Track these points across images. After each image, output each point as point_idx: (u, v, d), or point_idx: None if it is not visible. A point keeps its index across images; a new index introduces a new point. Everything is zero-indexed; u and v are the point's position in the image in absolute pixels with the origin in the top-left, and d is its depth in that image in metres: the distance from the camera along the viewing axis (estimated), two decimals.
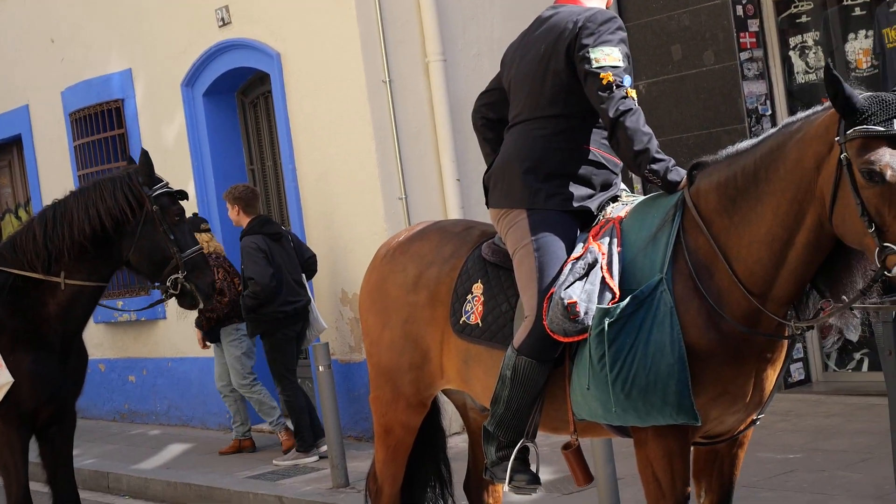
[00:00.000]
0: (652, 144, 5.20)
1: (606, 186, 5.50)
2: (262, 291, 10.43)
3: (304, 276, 11.00)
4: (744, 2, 10.86)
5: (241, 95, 12.83)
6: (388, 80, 10.86)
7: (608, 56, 5.28)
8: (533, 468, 5.40)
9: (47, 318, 7.73)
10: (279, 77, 11.68)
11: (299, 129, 11.58)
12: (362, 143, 10.91)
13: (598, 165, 5.48)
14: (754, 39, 10.92)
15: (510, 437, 5.35)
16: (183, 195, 8.08)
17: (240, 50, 12.14)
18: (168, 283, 7.83)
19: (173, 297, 7.97)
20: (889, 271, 4.46)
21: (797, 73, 10.92)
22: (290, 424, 11.13)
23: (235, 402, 11.57)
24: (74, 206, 7.77)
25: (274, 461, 10.86)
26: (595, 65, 5.26)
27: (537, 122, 5.53)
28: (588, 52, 5.29)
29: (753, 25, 10.93)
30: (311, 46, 11.30)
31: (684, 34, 11.15)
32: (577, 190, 5.43)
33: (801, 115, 4.95)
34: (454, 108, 10.92)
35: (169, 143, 13.08)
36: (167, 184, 8.02)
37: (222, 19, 12.17)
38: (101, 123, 13.94)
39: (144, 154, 8.03)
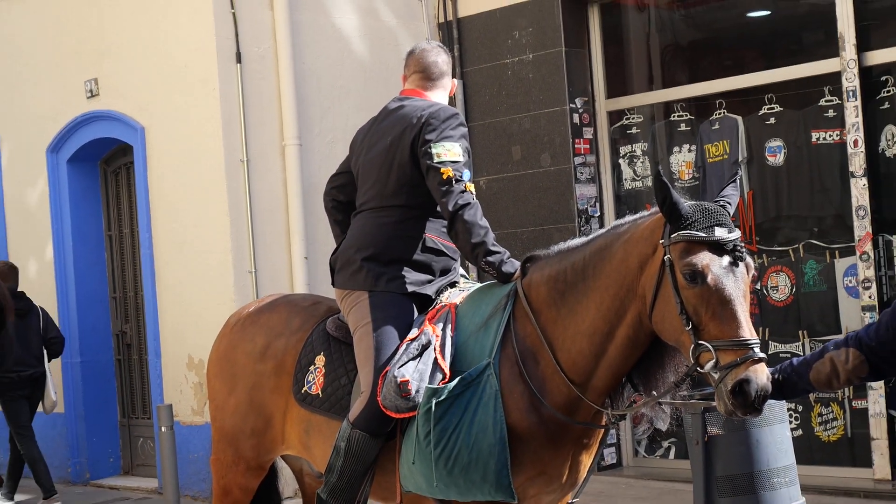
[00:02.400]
0: (488, 238, 5.26)
1: (445, 272, 5.56)
2: None
3: (45, 352, 11.41)
4: (580, 111, 11.04)
5: (103, 164, 12.71)
6: (245, 159, 10.85)
7: (449, 151, 5.34)
8: None
9: None
10: (142, 149, 11.60)
11: (158, 200, 11.50)
12: (217, 218, 10.86)
13: (438, 252, 5.53)
14: (588, 146, 11.08)
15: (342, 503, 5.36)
16: None
17: (105, 121, 12.05)
18: None
19: None
20: (702, 367, 4.56)
21: (625, 179, 11.12)
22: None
23: None
24: None
25: None
26: (436, 160, 5.32)
27: (382, 211, 5.57)
28: (430, 148, 5.35)
29: (588, 133, 11.11)
30: (175, 122, 11.26)
31: (525, 136, 11.29)
32: (416, 275, 5.48)
33: (628, 218, 5.06)
34: (307, 190, 10.95)
35: (31, 204, 12.89)
36: None
37: (90, 91, 12.08)
38: None
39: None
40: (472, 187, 5.35)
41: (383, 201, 5.57)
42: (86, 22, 12.14)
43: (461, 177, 5.32)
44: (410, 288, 5.44)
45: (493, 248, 5.27)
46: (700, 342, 4.56)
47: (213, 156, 10.88)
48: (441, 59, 5.74)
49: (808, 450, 9.72)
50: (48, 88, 12.62)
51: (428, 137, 5.38)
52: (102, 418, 12.62)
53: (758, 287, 10.09)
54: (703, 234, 4.60)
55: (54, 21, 12.52)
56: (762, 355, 4.53)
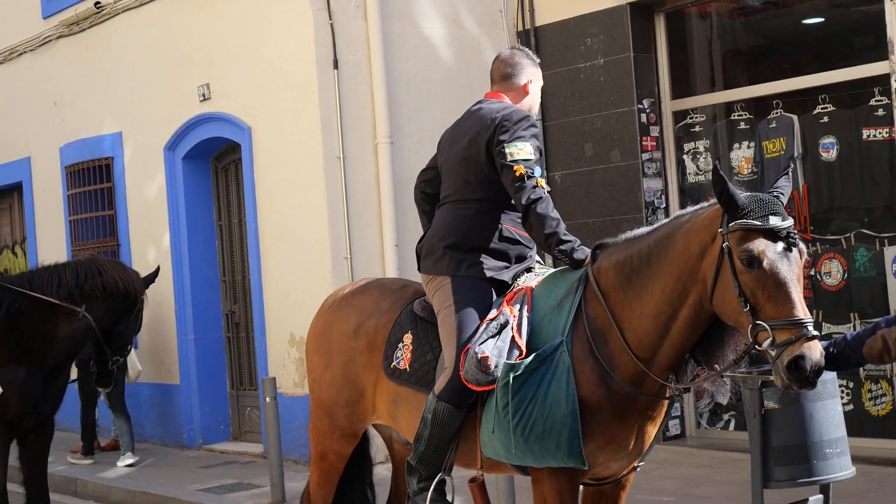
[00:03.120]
0: (560, 228, 5.24)
1: (521, 259, 5.54)
2: None
3: None
4: (647, 110, 10.99)
5: (214, 161, 12.81)
6: (342, 156, 10.89)
7: (521, 150, 5.32)
8: (449, 498, 5.41)
9: (53, 340, 7.72)
10: (249, 147, 11.68)
11: (263, 193, 11.58)
12: (316, 210, 10.92)
13: (513, 241, 5.52)
14: (654, 143, 11.03)
15: (430, 470, 5.36)
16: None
17: (216, 122, 12.14)
18: (113, 360, 8.09)
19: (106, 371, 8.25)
20: (759, 345, 4.52)
21: (689, 173, 11.04)
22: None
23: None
24: (108, 267, 8.06)
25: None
26: (509, 158, 5.31)
27: (462, 203, 5.57)
28: (504, 147, 5.33)
29: (655, 131, 11.05)
30: (278, 123, 11.33)
31: (596, 134, 11.25)
32: (493, 262, 5.46)
33: (689, 209, 5.03)
34: (397, 184, 10.97)
35: (150, 198, 13.04)
36: None
37: (203, 94, 12.17)
38: (92, 177, 13.86)
39: (158, 269, 8.79)
40: (543, 182, 5.33)
41: (463, 195, 5.57)
42: (198, 33, 12.25)
43: (532, 173, 5.30)
44: (488, 273, 5.43)
45: (564, 238, 5.25)
46: (757, 322, 4.52)
47: (312, 153, 10.93)
48: (516, 62, 5.70)
49: (859, 423, 9.60)
50: (165, 93, 12.74)
51: (501, 138, 5.36)
52: (214, 389, 12.74)
53: (812, 273, 10.00)
54: (759, 223, 4.57)
55: (170, 32, 12.64)
56: (815, 333, 4.49)
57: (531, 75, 5.68)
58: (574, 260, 5.25)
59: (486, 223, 5.51)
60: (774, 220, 4.58)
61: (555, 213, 5.27)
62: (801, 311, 4.49)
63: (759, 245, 4.54)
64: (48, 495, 7.98)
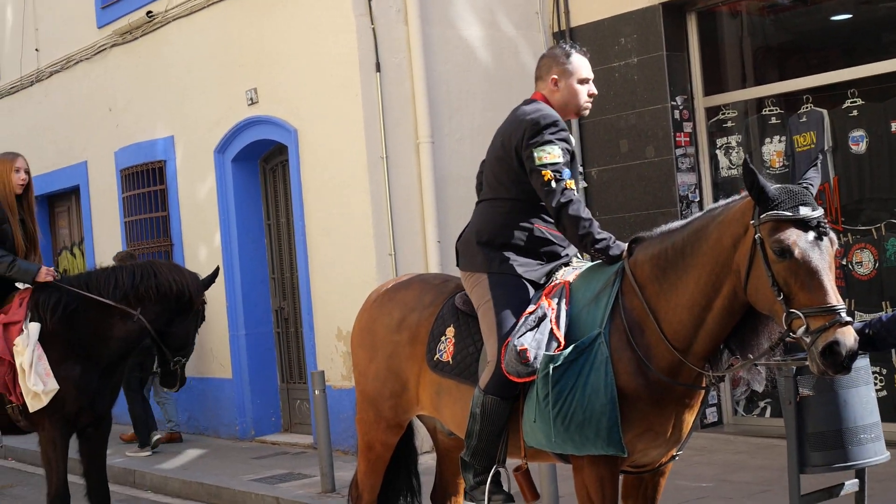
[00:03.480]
0: (593, 228, 5.19)
1: (553, 257, 5.48)
2: None
3: None
4: (680, 107, 10.92)
5: (262, 162, 12.82)
6: (384, 156, 10.87)
7: (549, 154, 5.25)
8: (506, 488, 5.35)
9: (108, 340, 7.72)
10: (295, 149, 11.69)
11: (310, 193, 11.58)
12: (361, 207, 10.90)
13: (545, 241, 5.45)
14: (688, 139, 10.97)
15: (484, 464, 5.30)
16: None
17: (264, 125, 12.15)
18: (174, 361, 7.98)
19: (168, 371, 8.11)
20: (794, 333, 4.47)
21: (721, 168, 10.96)
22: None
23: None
24: (163, 270, 7.97)
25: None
26: (538, 163, 5.25)
27: (496, 202, 5.53)
28: (532, 151, 5.28)
29: (688, 127, 10.98)
30: (323, 125, 11.32)
31: (631, 131, 11.19)
32: (524, 259, 5.42)
33: (722, 202, 4.97)
34: (439, 182, 10.94)
35: (201, 199, 13.07)
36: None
37: (251, 99, 12.19)
38: (146, 180, 13.92)
39: (217, 269, 8.47)
40: (572, 184, 5.27)
41: (497, 193, 5.53)
42: (246, 39, 12.26)
43: (561, 176, 5.24)
44: (519, 270, 5.39)
45: (599, 237, 5.19)
46: (791, 310, 4.46)
47: (356, 153, 10.92)
48: (541, 63, 5.62)
49: (892, 408, 9.48)
50: (215, 97, 12.77)
51: (530, 142, 5.31)
52: (264, 383, 12.76)
53: (844, 262, 9.91)
54: (789, 213, 4.51)
55: (219, 39, 12.66)
56: (848, 319, 4.43)
57: (557, 72, 5.55)
58: (610, 257, 5.20)
59: (517, 222, 5.45)
60: (805, 211, 4.52)
61: (586, 213, 5.23)
62: (834, 298, 4.43)
63: (791, 235, 4.48)
64: (107, 486, 7.99)
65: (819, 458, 6.05)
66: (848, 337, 4.38)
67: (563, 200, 5.20)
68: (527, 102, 5.55)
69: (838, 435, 6.05)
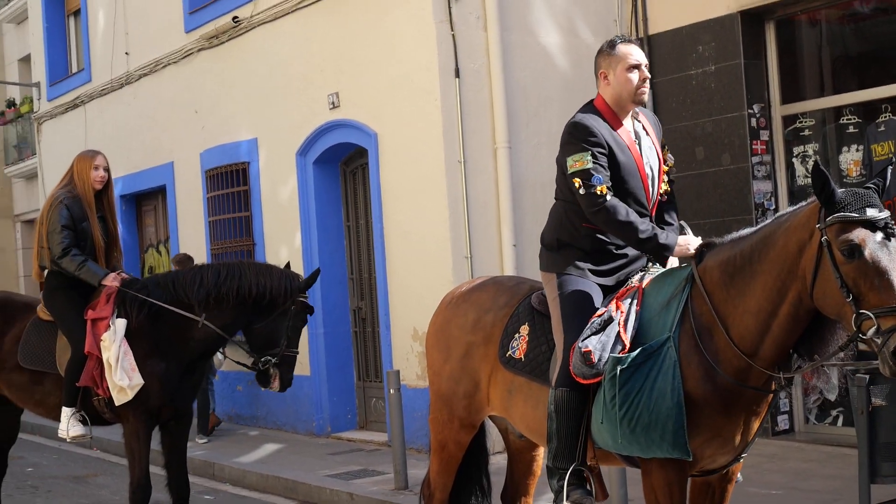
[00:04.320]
0: (632, 231, 5.17)
1: (620, 257, 5.44)
2: None
3: None
4: (757, 115, 10.83)
5: (343, 165, 12.91)
6: (462, 160, 10.90)
7: (577, 162, 5.25)
8: (588, 488, 5.23)
9: (189, 340, 7.79)
10: (375, 152, 11.76)
11: (388, 196, 11.64)
12: (438, 211, 10.94)
13: (604, 241, 5.42)
14: (764, 147, 10.87)
15: (566, 464, 5.23)
16: (312, 310, 8.11)
17: (345, 128, 12.24)
18: (262, 362, 7.87)
19: (259, 370, 7.95)
20: (864, 334, 4.39)
21: (798, 176, 10.85)
22: None
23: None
24: (249, 272, 7.85)
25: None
26: (569, 171, 5.28)
27: (558, 203, 5.58)
28: (564, 161, 5.32)
29: (764, 135, 10.88)
30: (403, 129, 11.38)
31: (707, 139, 11.11)
32: (588, 262, 5.41)
33: (789, 209, 4.94)
34: (515, 186, 10.95)
35: (283, 200, 13.19)
36: (307, 297, 8.04)
37: (333, 103, 12.29)
38: (230, 180, 14.09)
39: (317, 271, 8.20)
40: (603, 188, 5.22)
41: (558, 195, 5.57)
42: (328, 45, 12.36)
43: (591, 182, 5.22)
44: (583, 272, 5.38)
45: (642, 237, 5.17)
46: (861, 311, 4.39)
47: (434, 157, 10.96)
48: (595, 62, 5.55)
49: None
50: (297, 101, 12.88)
51: (560, 153, 5.36)
52: (341, 381, 12.85)
53: None
54: (856, 215, 4.48)
55: (302, 44, 12.78)
56: None
57: (604, 65, 5.46)
58: (661, 244, 5.17)
59: (573, 223, 5.45)
60: (871, 212, 4.49)
61: (621, 217, 5.19)
62: None
63: (860, 235, 4.45)
64: (187, 477, 8.09)
65: (890, 469, 5.98)
66: None
67: (593, 209, 5.22)
68: (581, 108, 5.52)
69: None
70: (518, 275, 10.16)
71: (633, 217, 5.20)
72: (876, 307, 4.36)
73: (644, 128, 5.53)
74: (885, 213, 4.52)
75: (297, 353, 8.00)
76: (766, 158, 10.87)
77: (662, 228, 5.40)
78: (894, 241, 4.48)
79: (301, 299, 7.91)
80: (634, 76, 5.40)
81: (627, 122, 5.47)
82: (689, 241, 5.20)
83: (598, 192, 5.21)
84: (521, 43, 11.32)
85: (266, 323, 7.86)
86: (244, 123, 13.90)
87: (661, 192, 5.56)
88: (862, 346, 4.51)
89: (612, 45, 5.47)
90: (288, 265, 8.21)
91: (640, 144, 5.44)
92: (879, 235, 4.46)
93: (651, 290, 5.21)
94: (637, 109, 5.54)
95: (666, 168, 5.60)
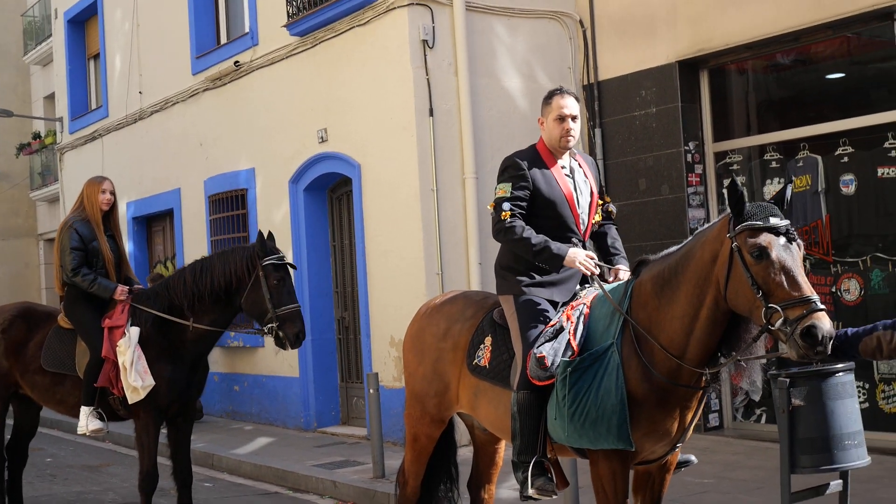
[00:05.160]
0: (527, 246, 5.24)
1: (548, 271, 5.42)
2: None
3: None
4: (692, 151, 10.88)
5: (330, 192, 12.88)
6: (435, 188, 10.90)
7: (500, 191, 5.40)
8: (549, 476, 5.19)
9: (185, 342, 7.74)
10: (358, 181, 11.73)
11: (370, 219, 11.61)
12: (413, 233, 10.93)
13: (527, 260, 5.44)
14: (698, 179, 10.93)
15: (529, 458, 5.20)
16: (286, 267, 7.73)
17: (332, 160, 12.22)
18: (266, 329, 7.72)
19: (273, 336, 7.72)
20: (773, 325, 4.42)
21: (727, 205, 10.88)
22: None
23: None
24: (216, 263, 7.73)
25: None
26: (494, 197, 5.43)
27: None
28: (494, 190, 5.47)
29: (698, 169, 10.94)
30: (383, 160, 11.37)
31: (648, 172, 11.16)
32: (537, 279, 5.41)
33: (706, 225, 4.98)
34: (482, 212, 10.94)
35: (277, 222, 13.14)
36: (281, 256, 7.72)
37: (321, 137, 12.26)
38: (230, 205, 14.03)
39: (260, 235, 7.80)
40: (507, 214, 5.32)
41: None
42: (318, 87, 12.35)
43: (501, 207, 5.34)
44: (535, 293, 5.39)
45: (535, 249, 5.23)
46: (770, 305, 4.43)
47: (410, 185, 10.95)
48: (541, 104, 5.63)
49: (874, 419, 9.38)
50: (290, 135, 12.85)
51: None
52: (326, 382, 12.79)
53: (833, 290, 9.81)
54: (761, 223, 4.56)
55: (295, 86, 12.76)
56: (822, 307, 4.40)
57: (543, 113, 5.56)
58: (554, 254, 5.21)
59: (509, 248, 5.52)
60: (774, 220, 4.57)
61: (518, 232, 5.27)
62: (808, 291, 4.42)
63: (766, 239, 4.52)
64: (190, 467, 8.03)
65: (808, 461, 5.97)
66: (825, 321, 4.34)
67: (496, 229, 5.37)
68: (526, 147, 5.59)
69: (825, 440, 5.97)
70: (483, 289, 10.17)
71: (528, 234, 5.26)
72: (783, 300, 4.41)
73: (581, 166, 5.59)
74: (786, 221, 4.60)
75: (295, 306, 7.60)
76: (700, 189, 10.92)
77: (612, 255, 5.59)
78: (795, 245, 4.56)
79: (268, 264, 7.55)
80: (560, 127, 5.46)
81: (564, 160, 5.53)
82: (577, 254, 5.22)
83: (501, 217, 5.31)
84: (487, 86, 11.34)
85: (245, 298, 7.59)
86: (243, 155, 13.85)
87: (595, 221, 5.59)
88: (778, 345, 4.52)
89: (549, 96, 5.55)
90: (270, 235, 7.89)
91: (573, 179, 5.47)
92: (783, 239, 4.53)
93: (597, 303, 5.23)
94: (575, 151, 5.61)
95: (600, 202, 5.62)
